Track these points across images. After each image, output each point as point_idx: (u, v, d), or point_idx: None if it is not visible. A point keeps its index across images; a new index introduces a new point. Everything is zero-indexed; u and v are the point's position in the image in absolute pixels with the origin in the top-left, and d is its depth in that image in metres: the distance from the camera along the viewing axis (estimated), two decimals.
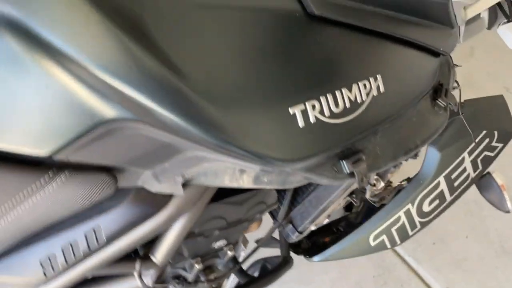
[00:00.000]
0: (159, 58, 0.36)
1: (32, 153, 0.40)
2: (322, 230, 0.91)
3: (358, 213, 0.94)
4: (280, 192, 0.75)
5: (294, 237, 0.78)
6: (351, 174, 0.47)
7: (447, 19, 0.55)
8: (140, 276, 0.58)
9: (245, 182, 0.50)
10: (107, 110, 0.37)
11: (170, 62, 0.37)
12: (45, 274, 0.50)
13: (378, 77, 0.47)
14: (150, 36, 0.36)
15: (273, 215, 0.82)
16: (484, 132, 0.77)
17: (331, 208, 0.75)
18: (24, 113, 0.38)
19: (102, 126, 0.38)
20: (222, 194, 0.62)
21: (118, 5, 0.36)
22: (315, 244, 0.90)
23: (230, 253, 0.72)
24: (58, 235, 0.49)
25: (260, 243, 0.79)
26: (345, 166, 0.46)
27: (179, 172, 0.47)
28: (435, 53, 0.56)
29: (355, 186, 0.72)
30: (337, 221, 0.94)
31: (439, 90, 0.57)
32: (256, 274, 0.92)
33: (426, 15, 0.54)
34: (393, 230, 0.81)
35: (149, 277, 0.60)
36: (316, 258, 0.85)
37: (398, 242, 0.82)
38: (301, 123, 0.42)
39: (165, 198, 0.51)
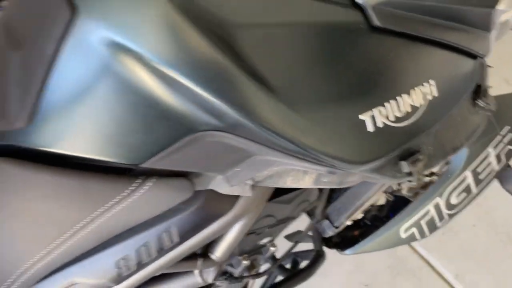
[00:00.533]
0: (251, 73, 0.39)
1: (125, 163, 0.42)
2: (350, 224, 0.95)
3: (383, 207, 0.98)
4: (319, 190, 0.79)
5: (331, 232, 0.82)
6: (409, 174, 0.50)
7: (485, 24, 0.58)
8: (201, 274, 0.61)
9: (306, 182, 0.53)
10: (200, 121, 0.40)
11: (260, 76, 0.40)
12: (119, 275, 0.53)
13: (431, 81, 0.51)
14: (241, 53, 0.39)
15: (307, 212, 0.85)
16: (508, 127, 0.82)
17: (367, 204, 0.78)
18: (120, 126, 0.41)
19: (191, 135, 0.41)
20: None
21: (212, 26, 0.38)
22: (345, 238, 0.94)
23: (272, 249, 0.76)
24: (134, 237, 0.52)
25: (298, 239, 0.83)
26: (405, 166, 0.50)
27: (250, 175, 0.50)
28: (474, 56, 0.60)
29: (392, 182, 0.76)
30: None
31: (478, 91, 0.61)
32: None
33: (466, 20, 0.57)
34: (423, 222, 0.85)
35: (209, 274, 0.63)
36: (348, 251, 0.89)
37: (427, 234, 0.86)
38: (369, 128, 0.45)
39: (232, 199, 0.54)
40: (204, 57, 0.38)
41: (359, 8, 0.46)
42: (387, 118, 0.46)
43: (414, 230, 0.85)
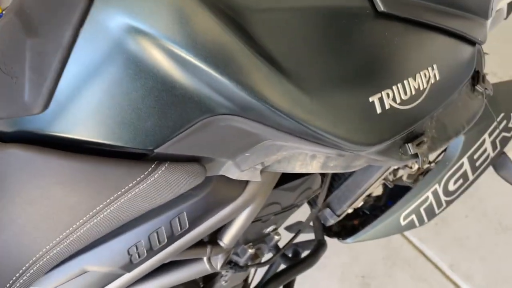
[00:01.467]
0: (263, 55, 0.40)
1: (140, 148, 0.43)
2: (349, 213, 0.97)
3: (380, 196, 1.00)
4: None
5: (332, 220, 0.83)
6: (415, 155, 0.52)
7: (484, 11, 0.60)
8: (209, 261, 0.62)
9: (314, 167, 0.54)
10: (213, 104, 0.41)
11: (271, 59, 0.41)
12: (131, 261, 0.54)
13: (434, 66, 0.52)
14: (253, 36, 0.40)
15: (308, 201, 0.86)
16: (502, 114, 0.84)
17: (368, 191, 0.80)
18: (135, 111, 0.41)
19: (204, 119, 0.42)
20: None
21: (226, 9, 0.39)
22: (345, 227, 0.95)
23: (277, 238, 0.77)
24: (145, 223, 0.52)
25: (301, 228, 0.84)
26: (410, 148, 0.51)
27: (259, 160, 0.51)
28: (473, 43, 0.61)
29: (391, 169, 0.78)
30: None
31: (476, 77, 0.63)
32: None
33: (466, 7, 0.59)
34: (422, 209, 0.87)
35: (217, 261, 0.64)
36: (349, 240, 0.90)
37: (426, 220, 0.88)
38: (378, 110, 0.47)
39: (241, 185, 0.55)
40: (217, 39, 0.39)
41: None
42: (394, 100, 0.48)
43: (413, 217, 0.87)
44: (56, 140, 0.43)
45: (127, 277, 0.57)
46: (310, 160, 0.53)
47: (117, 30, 0.38)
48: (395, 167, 0.78)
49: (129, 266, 0.54)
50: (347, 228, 0.95)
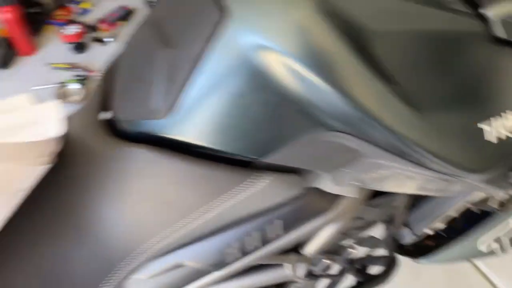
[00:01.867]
0: (383, 77, 0.41)
1: (249, 156, 0.45)
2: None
3: (456, 218, 0.97)
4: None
5: (410, 240, 0.82)
6: None
7: None
8: (292, 268, 0.63)
9: (409, 188, 0.54)
10: (325, 121, 0.43)
11: (389, 79, 0.41)
12: (224, 261, 0.56)
13: None
14: (374, 57, 0.41)
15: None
16: None
17: (449, 214, 0.78)
18: (252, 123, 0.43)
19: (313, 134, 0.44)
20: None
21: (351, 30, 0.41)
22: (418, 246, 0.93)
23: (352, 251, 0.77)
24: (240, 226, 0.55)
25: (375, 244, 0.83)
26: None
27: (357, 177, 0.52)
28: None
29: (477, 194, 0.75)
30: None
31: None
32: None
33: None
34: (503, 236, 0.83)
35: (300, 269, 0.65)
36: (423, 260, 0.89)
37: (508, 249, 0.84)
38: (486, 136, 0.46)
39: (334, 199, 0.56)
40: (341, 59, 0.40)
41: (481, 17, 0.47)
42: (504, 128, 0.47)
43: (494, 244, 0.83)
44: (170, 143, 0.47)
45: (216, 275, 0.60)
46: (407, 181, 0.53)
47: (246, 47, 0.41)
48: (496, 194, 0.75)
49: (221, 265, 0.57)
50: (421, 248, 0.93)
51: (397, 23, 0.43)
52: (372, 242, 0.88)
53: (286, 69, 0.40)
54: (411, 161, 0.46)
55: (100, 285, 0.52)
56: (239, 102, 0.43)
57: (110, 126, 0.51)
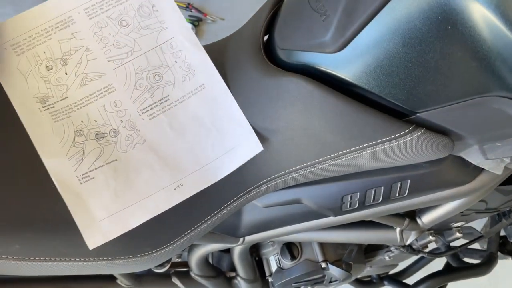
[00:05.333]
0: None
1: (407, 108, 0.44)
2: None
3: None
4: None
5: None
6: None
7: None
8: (402, 233, 0.63)
9: None
10: (501, 85, 0.40)
11: None
12: (341, 208, 0.57)
13: None
14: None
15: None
16: None
17: None
18: (424, 73, 0.41)
19: (483, 96, 0.41)
20: None
21: None
22: None
23: (458, 235, 0.74)
24: (368, 178, 0.55)
25: (484, 235, 0.80)
26: None
27: (508, 154, 0.49)
28: None
29: None
30: None
31: None
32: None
33: None
34: None
35: (409, 236, 0.64)
36: None
37: None
38: None
39: (473, 173, 0.53)
40: None
41: None
42: None
43: None
44: (332, 80, 0.46)
45: (329, 220, 0.61)
46: None
47: None
48: None
49: (337, 211, 0.58)
50: None
51: None
52: (473, 234, 0.84)
53: (486, 23, 0.38)
54: None
55: (232, 199, 0.54)
56: (416, 49, 0.41)
57: (265, 51, 0.52)
